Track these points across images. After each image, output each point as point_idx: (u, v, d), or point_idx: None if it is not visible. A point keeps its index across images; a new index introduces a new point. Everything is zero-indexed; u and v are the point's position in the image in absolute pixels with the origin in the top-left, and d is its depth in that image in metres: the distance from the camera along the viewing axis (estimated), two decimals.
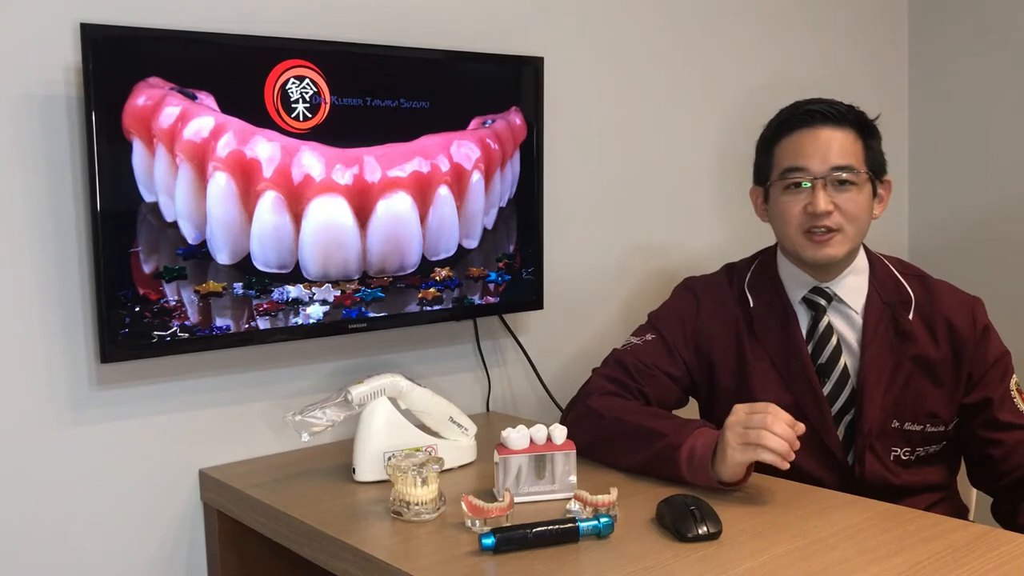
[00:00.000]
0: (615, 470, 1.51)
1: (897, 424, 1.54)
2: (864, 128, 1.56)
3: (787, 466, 1.33)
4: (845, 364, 1.56)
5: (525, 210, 1.86)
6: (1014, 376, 1.58)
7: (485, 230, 1.81)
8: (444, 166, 1.73)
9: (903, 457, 1.55)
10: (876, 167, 1.57)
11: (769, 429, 1.32)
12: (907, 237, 2.85)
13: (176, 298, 1.51)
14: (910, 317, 1.56)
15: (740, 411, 1.37)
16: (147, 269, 1.48)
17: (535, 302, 1.92)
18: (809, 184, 1.52)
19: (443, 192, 1.73)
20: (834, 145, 1.52)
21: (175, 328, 1.51)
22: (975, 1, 2.67)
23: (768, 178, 1.59)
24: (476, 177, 1.78)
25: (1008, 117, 2.62)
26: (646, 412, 1.54)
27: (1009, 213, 2.63)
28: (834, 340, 1.57)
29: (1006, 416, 1.55)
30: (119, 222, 1.45)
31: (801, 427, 1.35)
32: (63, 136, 1.48)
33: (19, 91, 1.44)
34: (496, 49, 1.89)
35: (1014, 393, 1.56)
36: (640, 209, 2.21)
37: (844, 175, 1.51)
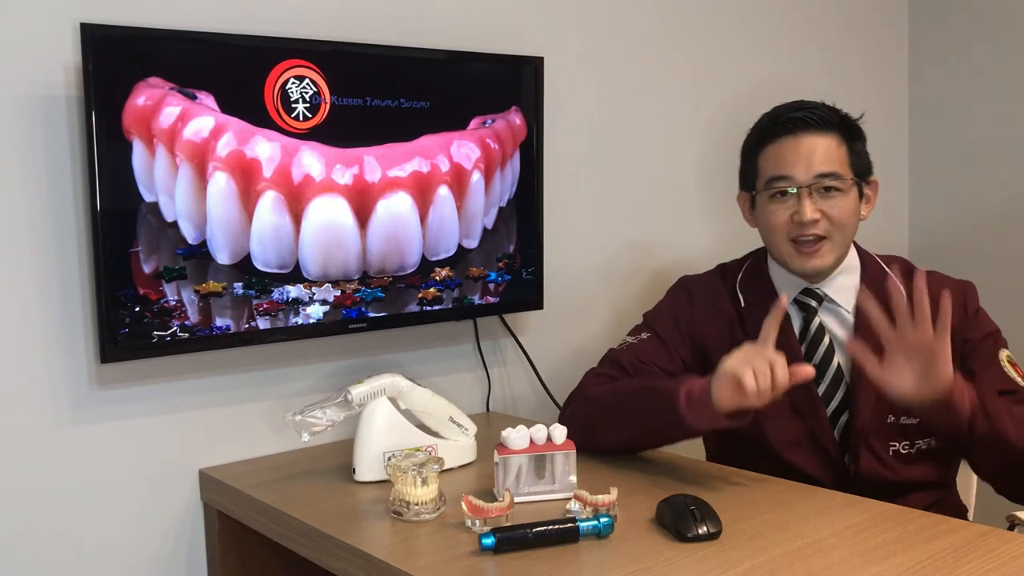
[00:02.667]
0: (616, 449, 1.53)
1: (893, 419, 1.54)
2: (847, 131, 1.56)
3: (751, 382, 1.32)
4: (839, 363, 1.56)
5: (525, 210, 1.86)
6: (1005, 351, 1.56)
7: (485, 230, 1.81)
8: (444, 166, 1.73)
9: (902, 451, 1.55)
10: (861, 169, 1.56)
11: (767, 358, 1.33)
12: (907, 237, 2.85)
13: (176, 298, 1.51)
14: None
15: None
16: (147, 269, 1.48)
17: (535, 302, 1.92)
18: (795, 192, 1.52)
19: (443, 192, 1.73)
20: (818, 152, 1.52)
21: (175, 328, 1.51)
22: (975, 1, 2.67)
23: (753, 186, 1.60)
24: (476, 177, 1.78)
25: (1008, 117, 2.62)
26: (640, 379, 1.56)
27: (1009, 213, 2.63)
28: (826, 340, 1.57)
29: (997, 385, 1.53)
30: (119, 222, 1.45)
31: (809, 372, 1.36)
32: (63, 136, 1.48)
33: (19, 91, 1.44)
34: (496, 49, 1.89)
35: (1005, 364, 1.54)
36: (641, 209, 2.21)
37: (829, 182, 1.52)
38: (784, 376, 1.33)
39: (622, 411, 1.52)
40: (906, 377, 1.35)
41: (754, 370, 1.32)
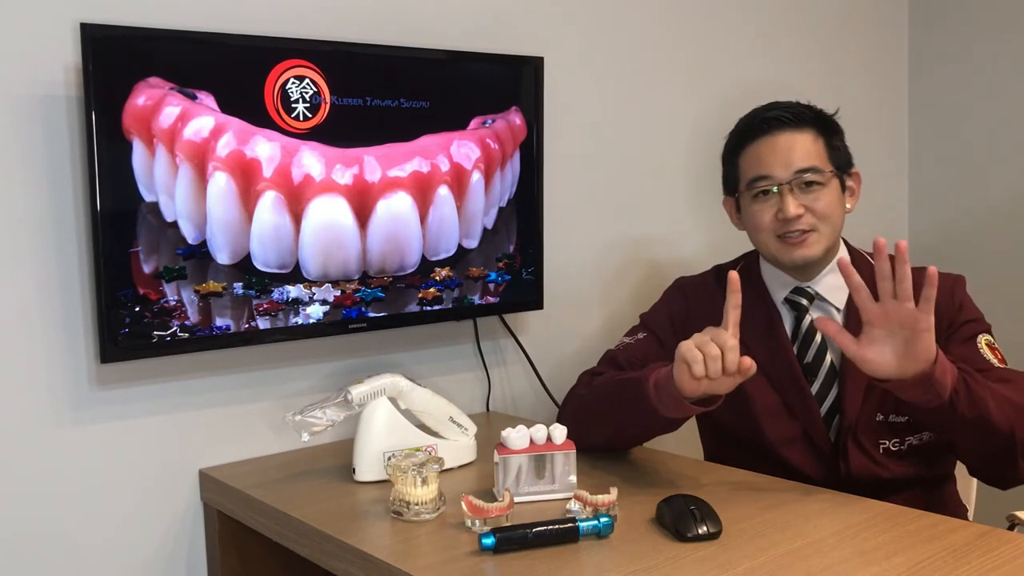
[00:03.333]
0: (606, 445, 1.54)
1: (882, 417, 1.54)
2: (824, 126, 1.57)
3: (699, 369, 1.30)
4: (831, 362, 1.56)
5: (525, 210, 1.86)
6: (984, 336, 1.55)
7: (485, 230, 1.81)
8: (444, 166, 1.73)
9: (892, 448, 1.55)
10: (841, 162, 1.57)
11: (719, 342, 1.31)
12: (907, 237, 2.85)
13: (176, 298, 1.51)
14: None
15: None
16: (147, 269, 1.48)
17: (535, 302, 1.92)
18: (776, 190, 1.53)
19: (443, 192, 1.73)
20: (795, 149, 1.53)
21: (175, 328, 1.51)
22: (975, 1, 2.67)
23: (736, 189, 1.61)
24: (476, 177, 1.78)
25: (1008, 116, 2.62)
26: (617, 373, 1.57)
27: (1009, 213, 2.63)
28: (818, 339, 1.57)
29: (970, 364, 1.52)
30: (119, 222, 1.45)
31: (748, 363, 1.32)
32: (63, 136, 1.48)
33: (19, 91, 1.44)
34: (496, 49, 1.89)
35: (982, 347, 1.53)
36: (641, 209, 2.21)
37: (809, 176, 1.52)
38: (734, 361, 1.31)
39: (601, 407, 1.54)
40: (887, 353, 1.31)
41: (704, 355, 1.31)
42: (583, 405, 1.59)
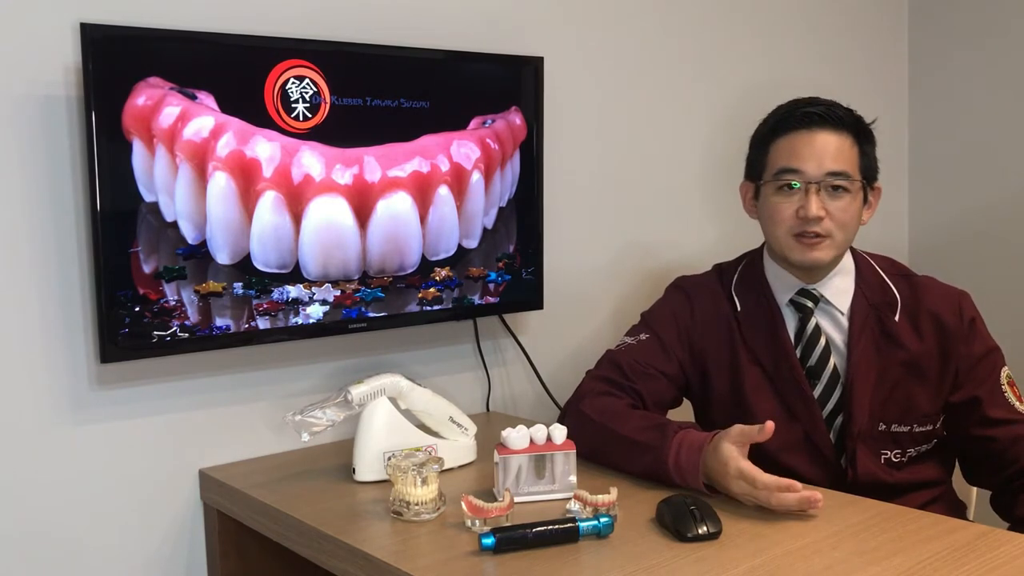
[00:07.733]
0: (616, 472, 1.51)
1: (884, 427, 1.54)
2: (861, 133, 1.55)
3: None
4: (835, 365, 1.56)
5: (525, 210, 1.86)
6: (1005, 369, 1.57)
7: (485, 230, 1.81)
8: (444, 166, 1.73)
9: (894, 460, 1.55)
10: (869, 173, 1.56)
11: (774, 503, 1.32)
12: (907, 237, 2.85)
13: (176, 298, 1.51)
14: (896, 319, 1.56)
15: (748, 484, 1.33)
16: (147, 269, 1.48)
17: (535, 302, 1.92)
18: (801, 186, 1.52)
19: (443, 192, 1.74)
20: (830, 149, 1.51)
21: (175, 328, 1.51)
22: (975, 1, 2.67)
23: (761, 176, 1.59)
24: (476, 177, 1.78)
25: (1008, 117, 2.62)
26: (632, 421, 1.51)
27: (1009, 213, 2.63)
28: (822, 341, 1.57)
29: (998, 412, 1.54)
30: (119, 222, 1.45)
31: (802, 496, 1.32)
32: (63, 136, 1.48)
33: (19, 91, 1.44)
34: (496, 49, 1.89)
35: (1005, 387, 1.55)
36: (640, 209, 2.21)
37: (838, 181, 1.51)
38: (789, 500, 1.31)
39: (619, 457, 1.49)
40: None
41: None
42: (592, 443, 1.52)
